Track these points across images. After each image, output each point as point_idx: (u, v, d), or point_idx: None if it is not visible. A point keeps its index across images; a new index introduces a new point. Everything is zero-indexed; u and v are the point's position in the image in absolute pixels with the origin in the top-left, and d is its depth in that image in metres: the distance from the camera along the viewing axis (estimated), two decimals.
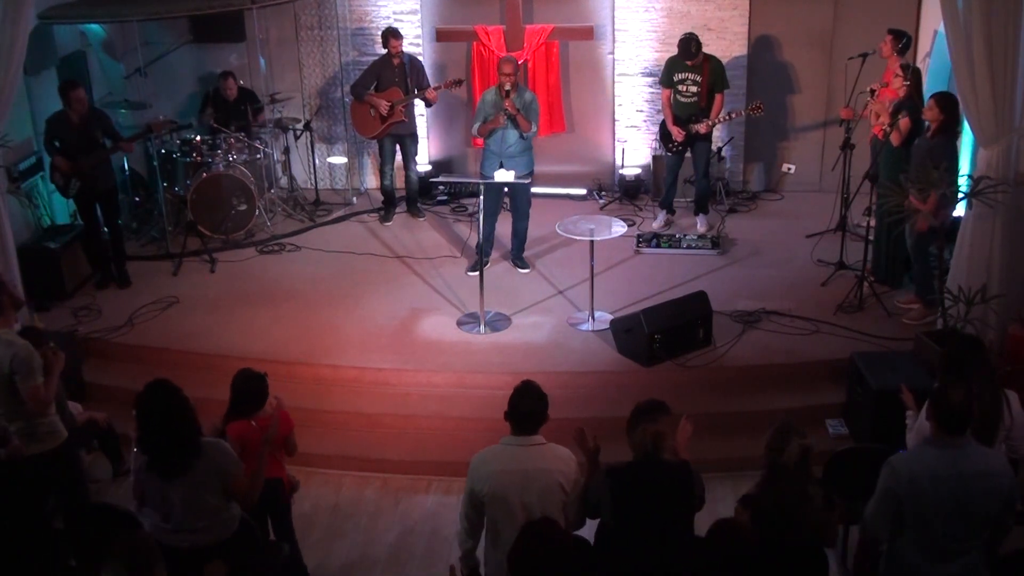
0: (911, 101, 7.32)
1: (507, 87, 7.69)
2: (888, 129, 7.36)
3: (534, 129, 7.96)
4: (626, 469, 4.16)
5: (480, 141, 8.32)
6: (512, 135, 7.90)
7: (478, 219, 7.62)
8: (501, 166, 7.96)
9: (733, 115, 8.82)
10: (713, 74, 8.57)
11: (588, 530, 4.46)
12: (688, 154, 8.90)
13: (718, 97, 8.63)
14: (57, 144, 7.83)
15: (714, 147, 9.12)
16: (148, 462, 4.26)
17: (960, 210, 6.70)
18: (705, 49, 8.60)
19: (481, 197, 7.47)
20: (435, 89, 9.12)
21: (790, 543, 3.92)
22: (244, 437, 4.86)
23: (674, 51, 8.86)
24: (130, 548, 3.44)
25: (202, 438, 4.33)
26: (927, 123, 7.01)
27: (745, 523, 4.03)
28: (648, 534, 4.11)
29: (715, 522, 4.01)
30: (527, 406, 4.32)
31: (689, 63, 8.50)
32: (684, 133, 8.66)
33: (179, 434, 4.21)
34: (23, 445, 5.09)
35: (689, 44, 8.42)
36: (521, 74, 9.71)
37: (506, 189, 8.19)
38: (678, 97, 8.68)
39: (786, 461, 3.91)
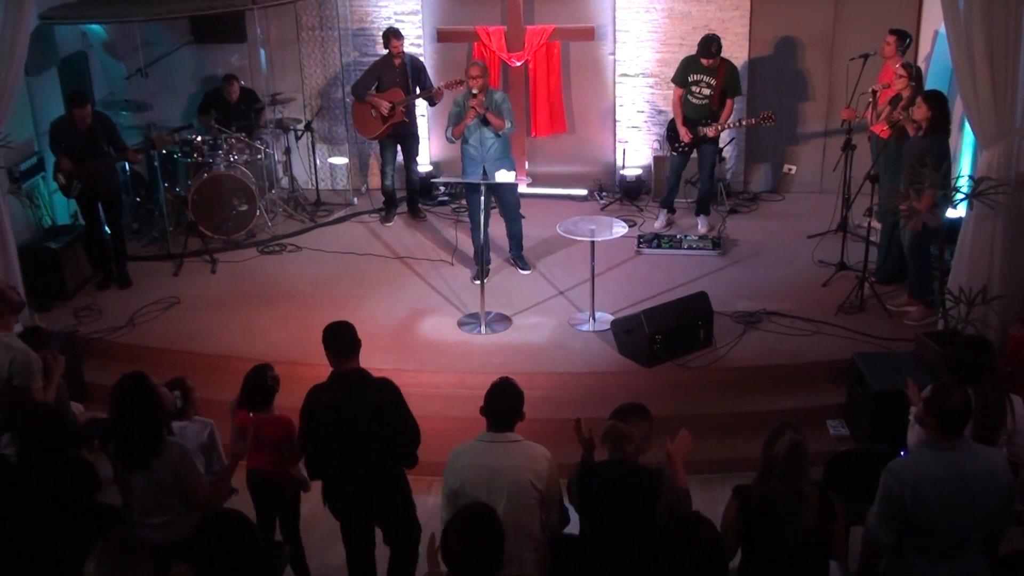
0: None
1: (475, 90, 7.60)
2: (890, 126, 7.36)
3: (509, 125, 7.83)
4: (597, 466, 4.22)
5: None
6: (489, 137, 7.81)
7: (478, 224, 7.58)
8: (484, 172, 7.78)
9: (743, 122, 8.81)
10: (728, 79, 8.54)
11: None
12: (693, 155, 8.90)
13: (729, 102, 8.60)
14: (63, 146, 7.84)
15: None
16: (113, 449, 4.33)
17: (960, 211, 6.70)
18: None
19: (480, 204, 7.40)
20: (440, 88, 9.10)
21: (783, 543, 3.89)
22: (243, 428, 4.96)
23: (675, 52, 8.86)
24: (115, 545, 3.44)
25: (167, 438, 4.35)
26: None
27: (731, 515, 4.02)
28: (607, 533, 4.13)
29: (675, 516, 3.98)
30: (504, 403, 4.32)
31: (705, 63, 8.46)
32: (692, 135, 8.66)
33: (142, 429, 4.25)
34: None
35: (711, 44, 8.38)
36: (521, 75, 9.74)
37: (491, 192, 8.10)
38: (690, 98, 8.66)
39: (775, 455, 3.90)
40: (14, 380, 5.01)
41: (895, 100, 7.52)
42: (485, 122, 7.72)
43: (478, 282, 7.60)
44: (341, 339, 4.60)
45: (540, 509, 4.29)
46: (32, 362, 5.06)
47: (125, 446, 4.28)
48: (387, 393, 4.66)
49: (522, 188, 9.12)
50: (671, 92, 9.04)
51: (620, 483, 4.13)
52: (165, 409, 4.46)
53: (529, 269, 8.32)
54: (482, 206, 7.51)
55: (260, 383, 5.04)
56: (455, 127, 7.86)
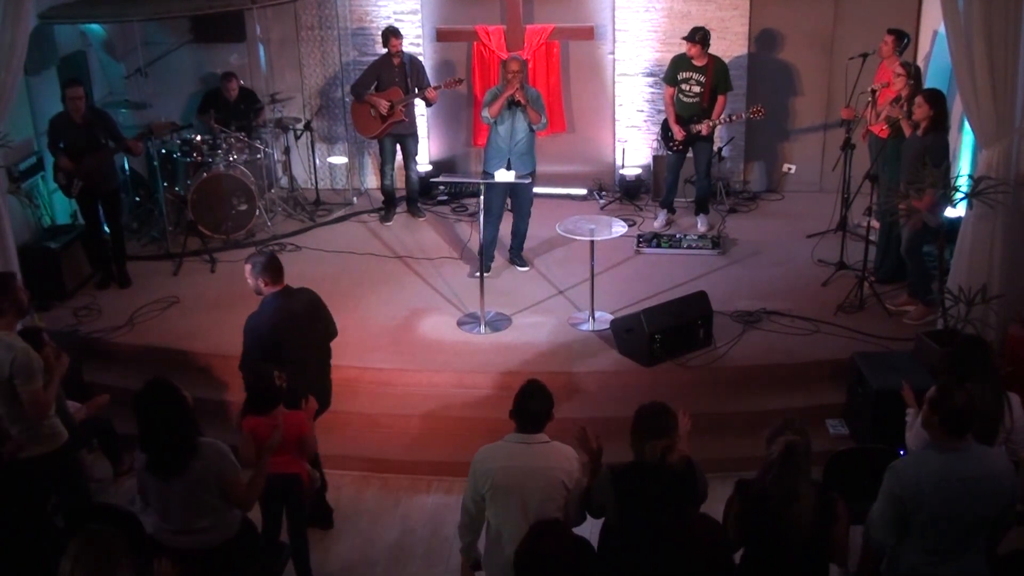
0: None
1: (516, 85, 7.67)
2: (888, 125, 7.37)
3: (544, 120, 7.97)
4: (630, 470, 4.14)
5: (482, 140, 8.27)
6: (522, 129, 7.87)
7: (479, 220, 7.59)
8: (509, 164, 7.91)
9: (734, 117, 8.81)
10: (717, 75, 8.56)
11: (585, 528, 4.47)
12: (689, 154, 8.91)
13: (720, 99, 8.62)
14: (61, 145, 7.84)
15: (715, 147, 9.11)
16: (147, 461, 4.26)
17: (960, 210, 6.71)
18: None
19: (482, 198, 7.43)
20: (435, 89, 9.13)
21: (780, 541, 3.89)
22: (256, 433, 4.91)
23: (674, 51, 8.86)
24: (87, 543, 3.41)
25: (200, 438, 4.33)
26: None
27: (732, 509, 4.02)
28: (654, 534, 4.10)
29: (690, 518, 3.98)
30: (535, 406, 4.33)
31: (690, 52, 8.48)
32: (685, 133, 8.67)
33: (176, 434, 4.21)
34: (22, 444, 5.06)
35: (696, 33, 8.43)
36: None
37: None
38: (681, 96, 8.68)
39: (770, 455, 3.90)
40: (15, 380, 4.99)
41: (897, 101, 7.52)
42: (522, 109, 7.76)
43: (477, 274, 7.59)
44: (278, 263, 5.56)
45: (564, 509, 4.30)
46: (33, 362, 5.01)
47: (161, 455, 4.22)
48: (312, 294, 5.73)
49: None
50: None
51: (662, 481, 4.08)
52: (192, 410, 4.42)
53: (527, 267, 8.33)
54: (481, 206, 7.50)
55: (268, 385, 5.02)
56: (492, 104, 7.85)
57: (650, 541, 4.10)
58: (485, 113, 7.96)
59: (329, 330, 5.85)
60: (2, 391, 5.01)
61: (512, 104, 7.77)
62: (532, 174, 8.11)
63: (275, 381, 5.02)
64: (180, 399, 4.28)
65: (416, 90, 9.15)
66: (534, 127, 7.92)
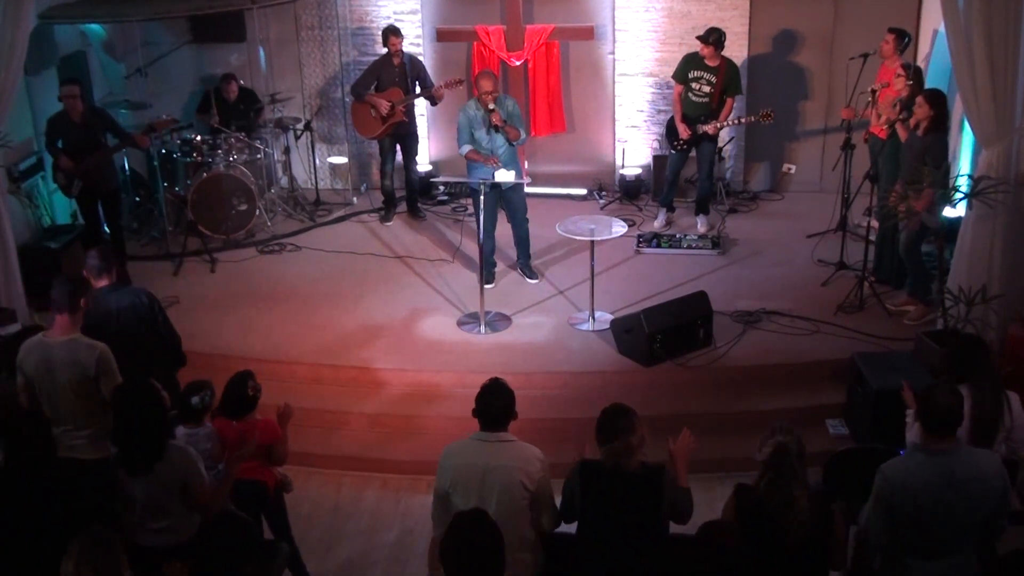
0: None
1: (491, 106, 7.45)
2: (887, 126, 7.37)
3: (524, 135, 7.82)
4: (599, 466, 4.18)
5: None
6: (501, 145, 7.69)
7: (478, 224, 7.53)
8: (493, 178, 7.76)
9: (742, 120, 8.79)
10: (728, 77, 8.54)
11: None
12: (693, 154, 8.90)
13: (729, 101, 8.60)
14: (60, 144, 7.84)
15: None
16: (116, 455, 4.31)
17: (960, 210, 6.71)
18: None
19: (481, 206, 7.30)
20: (442, 87, 9.09)
21: (777, 545, 3.89)
22: (222, 435, 4.95)
23: (674, 51, 8.86)
24: (89, 544, 3.42)
25: (169, 442, 4.35)
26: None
27: (730, 513, 4.02)
28: (613, 531, 4.13)
29: (704, 523, 3.99)
30: (499, 403, 4.32)
31: (703, 52, 8.45)
32: (691, 132, 8.66)
33: (144, 433, 4.24)
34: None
35: (711, 34, 8.40)
36: (521, 74, 9.74)
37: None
38: (690, 95, 8.66)
39: (761, 459, 3.91)
40: (101, 378, 4.95)
41: (895, 106, 7.49)
42: (498, 129, 7.61)
43: (488, 286, 7.57)
44: (96, 259, 5.49)
45: (531, 510, 4.28)
46: (112, 359, 5.03)
47: (131, 451, 4.24)
48: (140, 299, 5.63)
49: None
50: (671, 91, 9.08)
51: (626, 480, 4.11)
52: (167, 411, 4.45)
53: (537, 279, 8.16)
54: (483, 207, 7.47)
55: (241, 393, 5.02)
56: (472, 151, 7.65)
57: (609, 536, 4.13)
58: (464, 153, 7.71)
59: (163, 340, 5.63)
60: (79, 394, 4.97)
61: (491, 128, 7.59)
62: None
63: (248, 391, 5.01)
64: (158, 400, 4.33)
65: (417, 90, 9.14)
66: (513, 143, 7.73)
